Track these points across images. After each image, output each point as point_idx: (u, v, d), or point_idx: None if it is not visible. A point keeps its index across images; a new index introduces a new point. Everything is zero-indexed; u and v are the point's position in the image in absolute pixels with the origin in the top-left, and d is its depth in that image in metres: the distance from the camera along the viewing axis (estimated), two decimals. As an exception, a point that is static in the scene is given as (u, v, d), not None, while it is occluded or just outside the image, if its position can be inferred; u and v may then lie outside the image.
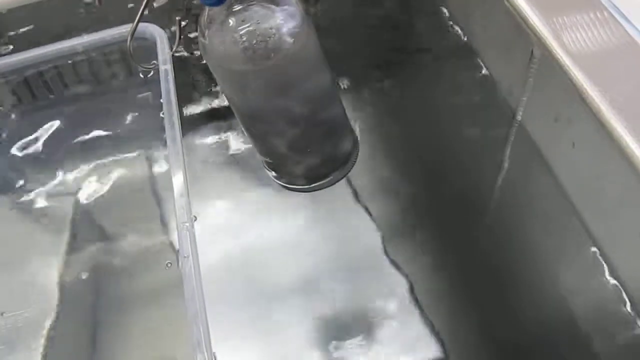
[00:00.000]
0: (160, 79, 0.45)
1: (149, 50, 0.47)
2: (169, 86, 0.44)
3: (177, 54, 0.42)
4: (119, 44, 0.49)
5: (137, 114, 0.52)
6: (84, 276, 0.46)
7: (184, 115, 0.52)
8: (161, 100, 0.44)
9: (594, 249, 0.32)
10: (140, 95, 0.51)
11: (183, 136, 0.42)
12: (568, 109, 0.32)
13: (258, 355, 0.41)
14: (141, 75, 0.51)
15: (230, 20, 0.36)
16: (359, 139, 0.48)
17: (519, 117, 0.37)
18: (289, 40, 0.37)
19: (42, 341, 0.43)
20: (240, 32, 0.36)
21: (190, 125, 0.51)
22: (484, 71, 0.39)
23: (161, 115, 0.43)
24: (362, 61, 0.54)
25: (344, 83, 0.53)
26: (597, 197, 0.31)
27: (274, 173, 0.47)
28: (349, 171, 0.47)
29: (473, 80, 0.41)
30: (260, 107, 0.41)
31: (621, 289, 0.30)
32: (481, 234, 0.43)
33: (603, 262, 0.31)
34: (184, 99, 0.52)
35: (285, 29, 0.36)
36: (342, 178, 0.47)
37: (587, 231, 0.32)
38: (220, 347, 0.40)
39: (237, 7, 0.36)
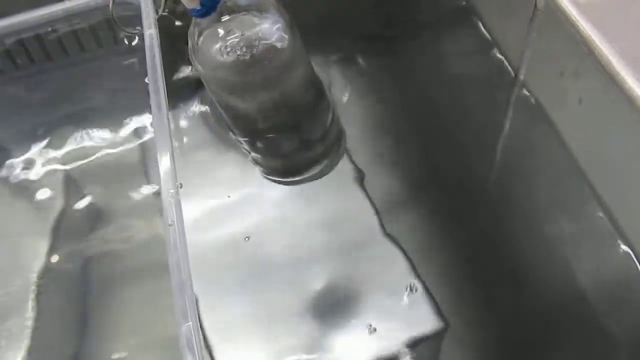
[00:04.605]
0: (145, 44, 0.43)
1: (134, 15, 0.46)
2: (154, 51, 0.43)
3: (164, 13, 0.41)
4: (103, 10, 0.47)
5: (122, 81, 0.50)
6: (71, 252, 0.45)
7: (171, 81, 0.51)
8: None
9: (600, 211, 0.30)
10: (125, 62, 0.50)
11: (169, 103, 0.41)
12: (575, 63, 0.30)
13: (250, 333, 0.40)
14: (125, 42, 0.49)
15: (218, 31, 0.38)
16: (344, 129, 0.48)
17: (521, 77, 0.35)
18: (276, 48, 0.38)
19: (32, 314, 0.42)
20: (229, 42, 0.38)
21: (177, 92, 0.50)
22: (483, 30, 0.38)
23: (146, 81, 0.42)
24: (357, 27, 0.53)
25: (338, 52, 0.52)
26: (605, 156, 0.30)
27: (261, 168, 0.47)
28: (338, 161, 0.48)
29: (473, 40, 0.39)
30: (249, 111, 0.42)
31: (630, 251, 0.29)
32: (485, 200, 0.42)
33: (610, 224, 0.30)
34: (170, 66, 0.51)
35: (272, 38, 0.38)
36: (330, 169, 0.47)
37: (594, 192, 0.31)
38: (212, 332, 0.40)
39: (225, 18, 0.37)
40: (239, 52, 0.38)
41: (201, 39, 0.38)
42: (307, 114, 0.45)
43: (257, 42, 0.38)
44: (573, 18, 0.29)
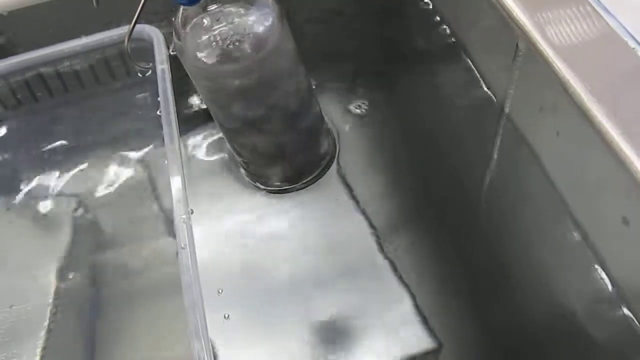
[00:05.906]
0: (158, 78, 0.46)
1: (146, 50, 0.48)
2: (166, 85, 0.45)
3: (173, 53, 0.43)
4: (118, 45, 0.50)
5: (135, 113, 0.53)
6: (84, 273, 0.46)
7: (181, 114, 0.52)
8: (158, 99, 0.45)
9: (578, 234, 0.33)
10: (138, 96, 0.52)
11: (180, 134, 0.43)
12: (552, 99, 0.33)
13: (254, 351, 0.41)
14: (139, 75, 0.52)
15: (204, 20, 0.36)
16: (337, 138, 0.48)
17: (506, 110, 0.38)
18: (263, 40, 0.36)
19: (42, 334, 0.43)
20: (215, 32, 0.36)
21: (187, 122, 0.52)
22: (471, 66, 0.40)
23: (158, 113, 0.44)
24: (349, 59, 0.55)
25: (331, 82, 0.53)
26: (581, 183, 0.32)
27: (249, 174, 0.47)
28: (328, 169, 0.48)
29: (463, 75, 0.42)
30: (235, 107, 0.41)
31: (604, 272, 0.31)
32: (476, 224, 0.44)
33: (587, 247, 0.32)
34: (181, 98, 0.53)
35: (260, 28, 0.36)
36: (321, 177, 0.47)
37: (571, 217, 0.33)
38: (218, 345, 0.41)
39: (212, 7, 0.36)
40: (225, 43, 0.36)
41: (187, 30, 0.36)
42: (296, 110, 0.42)
43: (244, 32, 0.36)
44: (550, 59, 0.32)
